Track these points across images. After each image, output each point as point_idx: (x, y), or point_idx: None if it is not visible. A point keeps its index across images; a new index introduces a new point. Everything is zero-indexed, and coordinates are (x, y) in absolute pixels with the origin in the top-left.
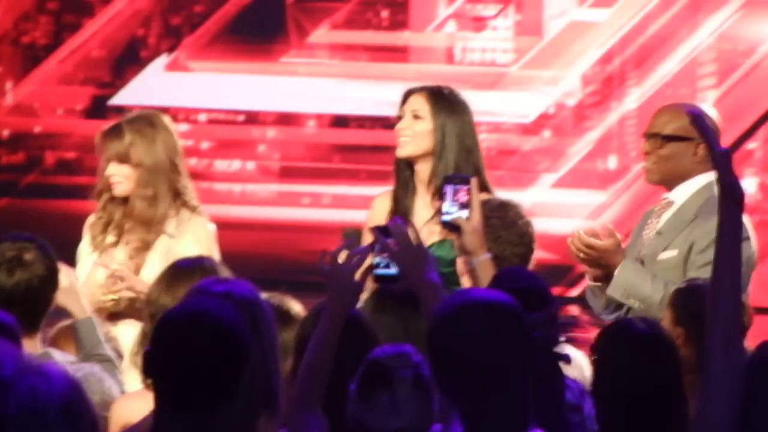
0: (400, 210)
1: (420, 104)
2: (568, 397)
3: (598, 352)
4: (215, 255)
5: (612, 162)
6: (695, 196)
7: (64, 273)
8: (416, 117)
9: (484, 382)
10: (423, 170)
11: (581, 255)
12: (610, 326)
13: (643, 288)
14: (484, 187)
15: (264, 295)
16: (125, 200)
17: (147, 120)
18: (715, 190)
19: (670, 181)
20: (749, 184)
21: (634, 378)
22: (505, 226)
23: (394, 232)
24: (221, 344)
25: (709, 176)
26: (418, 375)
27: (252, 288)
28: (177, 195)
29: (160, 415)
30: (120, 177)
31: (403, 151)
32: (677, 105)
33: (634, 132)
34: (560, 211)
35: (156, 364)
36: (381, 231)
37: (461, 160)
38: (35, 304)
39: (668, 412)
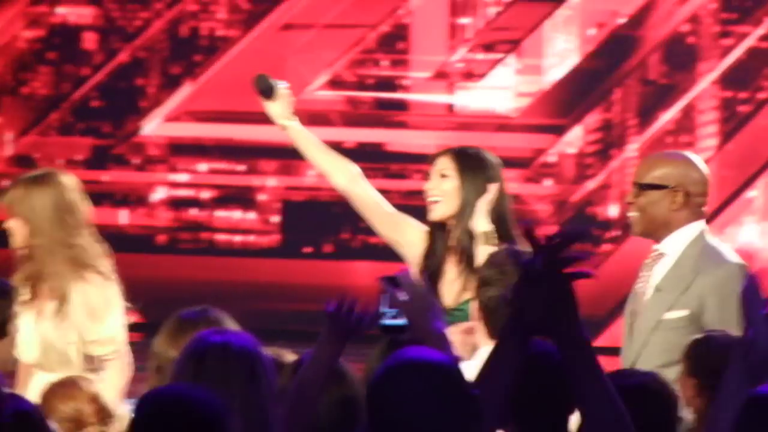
0: (431, 267)
1: (446, 164)
2: None
3: None
4: (114, 315)
5: (613, 210)
6: (690, 248)
7: None
8: (443, 176)
9: None
10: (454, 228)
11: None
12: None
13: None
14: (512, 242)
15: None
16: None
17: (37, 178)
18: (708, 239)
19: (653, 232)
20: (750, 232)
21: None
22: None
23: (402, 282)
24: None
25: (699, 225)
26: None
27: (251, 339)
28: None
29: None
30: (13, 230)
31: (435, 215)
32: (659, 154)
33: None
34: None
35: None
36: (389, 281)
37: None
38: None
39: None
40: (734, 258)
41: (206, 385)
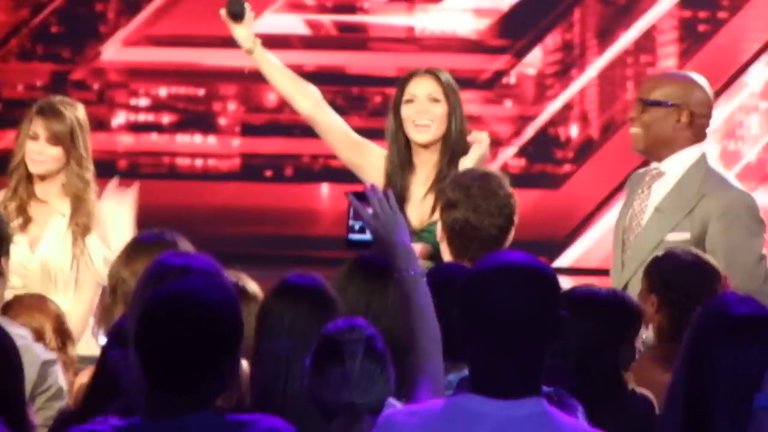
0: (396, 186)
1: (433, 87)
2: None
3: None
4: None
5: (574, 131)
6: (692, 170)
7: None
8: (434, 100)
9: (510, 343)
10: (430, 151)
11: None
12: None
13: None
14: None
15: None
16: (31, 182)
17: (76, 107)
18: (709, 162)
19: (654, 150)
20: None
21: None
22: (485, 196)
23: (370, 197)
24: (204, 326)
25: (701, 147)
26: (370, 348)
27: (212, 262)
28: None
29: (146, 394)
30: (46, 156)
31: (426, 137)
32: (665, 72)
33: (595, 101)
34: (522, 181)
35: (142, 346)
36: (357, 197)
37: (461, 141)
38: None
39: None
40: (740, 185)
41: None
